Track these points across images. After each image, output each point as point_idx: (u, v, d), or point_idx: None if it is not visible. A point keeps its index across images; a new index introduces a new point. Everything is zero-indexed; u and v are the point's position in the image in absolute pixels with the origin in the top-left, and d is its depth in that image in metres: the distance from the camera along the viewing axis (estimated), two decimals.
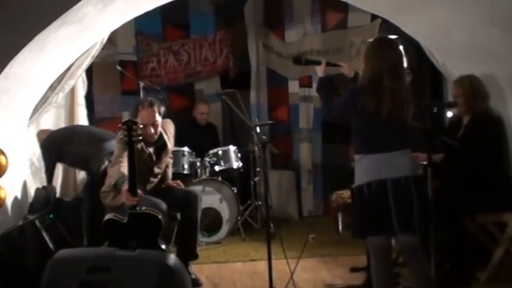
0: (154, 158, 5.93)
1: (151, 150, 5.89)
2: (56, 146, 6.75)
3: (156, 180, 6.08)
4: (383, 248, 4.57)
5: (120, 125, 5.03)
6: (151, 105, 5.78)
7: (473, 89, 5.81)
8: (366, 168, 4.58)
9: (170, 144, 6.11)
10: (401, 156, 4.49)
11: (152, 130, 5.76)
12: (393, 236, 4.64)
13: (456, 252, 5.59)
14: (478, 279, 5.58)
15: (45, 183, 6.55)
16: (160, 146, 5.98)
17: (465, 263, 5.60)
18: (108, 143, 6.56)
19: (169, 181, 6.30)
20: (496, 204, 5.57)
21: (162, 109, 5.89)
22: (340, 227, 7.61)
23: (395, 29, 6.95)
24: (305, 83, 9.41)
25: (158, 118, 5.81)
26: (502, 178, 5.72)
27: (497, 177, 5.66)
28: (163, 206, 5.68)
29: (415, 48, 7.04)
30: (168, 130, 6.09)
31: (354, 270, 6.05)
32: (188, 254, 5.91)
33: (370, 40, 4.76)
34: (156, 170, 6.02)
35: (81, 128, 7.28)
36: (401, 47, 4.55)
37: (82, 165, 6.82)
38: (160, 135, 5.95)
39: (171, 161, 6.42)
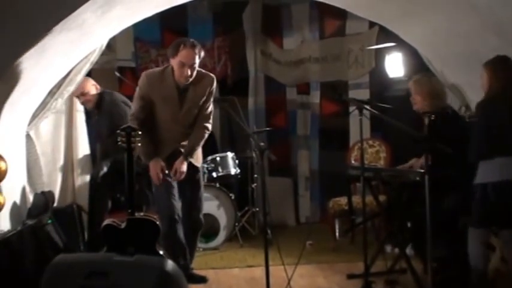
0: (179, 105, 5.78)
1: (176, 95, 5.75)
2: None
3: (183, 140, 5.91)
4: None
5: (118, 131, 5.03)
6: (193, 46, 5.59)
7: (430, 88, 6.03)
8: None
9: (206, 99, 5.89)
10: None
11: (189, 72, 5.60)
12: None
13: (454, 260, 5.62)
14: None
15: (44, 189, 6.56)
16: (184, 90, 5.77)
17: (463, 270, 5.62)
18: None
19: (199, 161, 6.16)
20: None
21: (202, 54, 5.69)
22: (337, 234, 7.63)
23: (393, 37, 6.99)
24: (303, 89, 9.44)
25: (197, 61, 5.64)
26: None
27: None
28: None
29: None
30: (204, 84, 5.86)
31: (351, 277, 6.05)
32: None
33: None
34: (182, 119, 5.84)
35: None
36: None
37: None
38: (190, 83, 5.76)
39: (206, 130, 5.99)
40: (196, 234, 6.08)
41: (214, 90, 5.91)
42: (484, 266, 5.08)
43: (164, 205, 5.79)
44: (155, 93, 5.72)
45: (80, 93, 6.89)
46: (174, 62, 5.61)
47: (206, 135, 5.96)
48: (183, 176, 5.77)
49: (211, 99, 5.93)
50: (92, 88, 6.97)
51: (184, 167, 5.76)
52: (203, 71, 5.85)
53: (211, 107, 5.95)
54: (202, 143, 5.97)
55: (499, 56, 5.20)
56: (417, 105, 6.05)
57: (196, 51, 5.57)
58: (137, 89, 5.82)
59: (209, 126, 5.95)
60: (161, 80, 5.71)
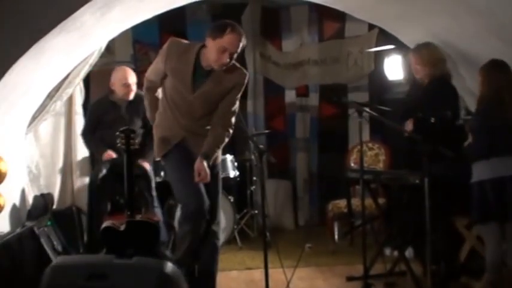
0: (191, 87, 5.00)
1: (190, 74, 4.99)
2: None
3: (193, 131, 5.12)
4: None
5: (117, 133, 5.02)
6: (240, 33, 4.88)
7: (429, 56, 6.05)
8: None
9: (229, 94, 5.12)
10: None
11: (227, 60, 4.87)
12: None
13: (447, 257, 5.66)
14: None
15: (43, 191, 6.55)
16: (204, 74, 5.02)
17: (455, 267, 5.69)
18: None
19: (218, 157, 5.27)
20: None
21: (244, 44, 4.99)
22: (336, 237, 7.63)
23: (393, 39, 6.99)
24: (302, 92, 9.44)
25: (239, 51, 4.94)
26: None
27: None
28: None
29: None
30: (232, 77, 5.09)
31: (350, 279, 6.04)
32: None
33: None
34: (193, 105, 5.03)
35: None
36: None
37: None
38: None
39: (225, 130, 5.13)
40: (209, 252, 5.20)
41: (243, 88, 5.19)
42: (499, 262, 5.14)
43: (190, 194, 5.01)
44: (170, 62, 5.02)
45: (135, 83, 6.65)
46: (214, 45, 4.83)
47: (226, 137, 5.12)
48: (208, 177, 4.94)
49: (237, 98, 5.19)
50: None
51: (206, 168, 4.93)
52: (237, 64, 5.17)
53: (235, 107, 5.20)
54: (222, 143, 5.14)
55: (493, 59, 5.22)
56: (419, 75, 6.09)
57: (243, 39, 4.90)
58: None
59: (229, 128, 5.13)
60: (183, 52, 5.03)
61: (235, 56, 4.93)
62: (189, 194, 5.02)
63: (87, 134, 6.83)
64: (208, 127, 5.08)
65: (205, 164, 4.92)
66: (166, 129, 5.16)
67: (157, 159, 5.44)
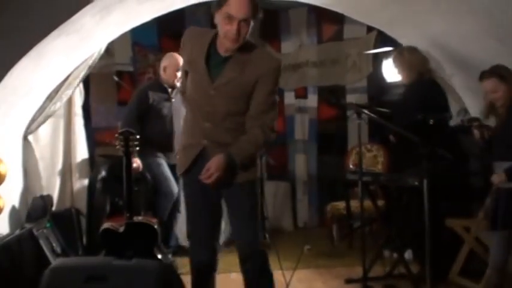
0: (209, 77, 4.03)
1: (203, 60, 4.06)
2: None
3: (217, 138, 4.08)
4: None
5: (117, 135, 5.03)
6: None
7: (403, 61, 6.33)
8: None
9: (259, 85, 4.02)
10: None
11: (236, 31, 3.88)
12: None
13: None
14: None
15: (42, 192, 6.56)
16: (221, 60, 4.07)
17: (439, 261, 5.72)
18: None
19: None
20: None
21: (261, 15, 4.12)
22: (335, 238, 7.63)
23: (391, 41, 6.99)
24: (301, 94, 9.45)
25: (251, 21, 4.00)
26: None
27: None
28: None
29: None
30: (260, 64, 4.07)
31: (349, 281, 6.05)
32: None
33: None
34: (216, 95, 4.00)
35: None
36: None
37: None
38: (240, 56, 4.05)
39: (261, 131, 4.04)
40: (257, 277, 4.54)
41: (277, 75, 4.08)
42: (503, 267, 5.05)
43: (192, 248, 4.38)
44: (186, 51, 4.22)
45: None
46: (220, 15, 3.93)
47: (263, 139, 4.05)
48: (212, 179, 3.88)
49: (272, 90, 4.07)
50: None
51: (220, 167, 3.89)
52: (264, 48, 4.35)
53: (272, 100, 4.09)
54: (258, 146, 4.07)
55: (503, 65, 5.16)
56: (403, 80, 6.37)
57: (252, 4, 3.95)
58: None
59: (268, 129, 4.05)
60: (197, 37, 4.19)
61: (249, 29, 3.98)
62: (198, 243, 4.30)
63: (131, 123, 6.21)
64: (235, 134, 4.06)
65: (221, 163, 3.91)
66: (187, 136, 4.27)
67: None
